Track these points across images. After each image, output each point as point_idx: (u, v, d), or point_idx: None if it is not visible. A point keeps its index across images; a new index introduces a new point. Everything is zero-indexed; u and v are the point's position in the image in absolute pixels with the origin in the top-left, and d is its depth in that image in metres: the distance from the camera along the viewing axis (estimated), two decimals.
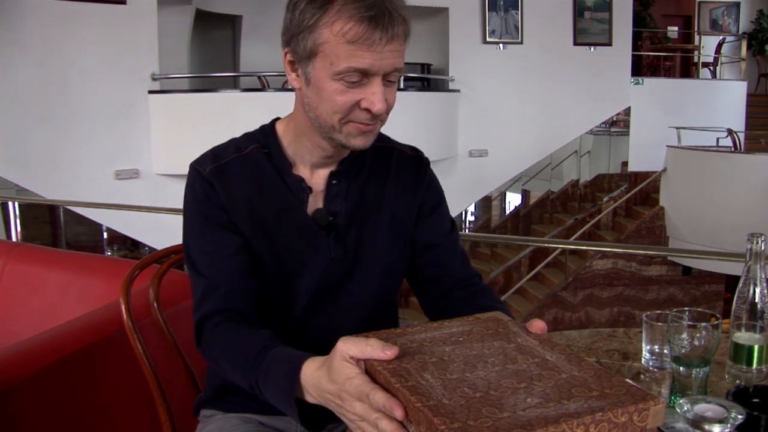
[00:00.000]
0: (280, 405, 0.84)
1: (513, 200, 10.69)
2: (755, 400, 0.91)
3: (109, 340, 1.46)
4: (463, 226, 10.05)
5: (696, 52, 9.84)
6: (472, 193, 7.32)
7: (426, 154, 1.18)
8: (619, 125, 9.57)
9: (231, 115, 5.28)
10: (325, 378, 0.76)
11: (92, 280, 1.92)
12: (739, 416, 0.81)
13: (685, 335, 0.98)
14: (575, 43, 7.28)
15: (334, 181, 1.05)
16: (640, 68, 9.29)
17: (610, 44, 7.37)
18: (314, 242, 1.03)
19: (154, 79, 5.45)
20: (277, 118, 1.09)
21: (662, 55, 9.81)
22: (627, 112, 8.03)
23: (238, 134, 1.10)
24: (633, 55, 7.78)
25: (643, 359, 1.10)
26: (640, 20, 9.34)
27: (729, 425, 0.81)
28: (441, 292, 1.10)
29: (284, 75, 1.17)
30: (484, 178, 7.10)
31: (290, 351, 0.86)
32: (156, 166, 5.43)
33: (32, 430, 1.32)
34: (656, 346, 1.08)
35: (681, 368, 0.98)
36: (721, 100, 8.41)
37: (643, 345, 1.10)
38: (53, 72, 5.08)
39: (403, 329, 0.82)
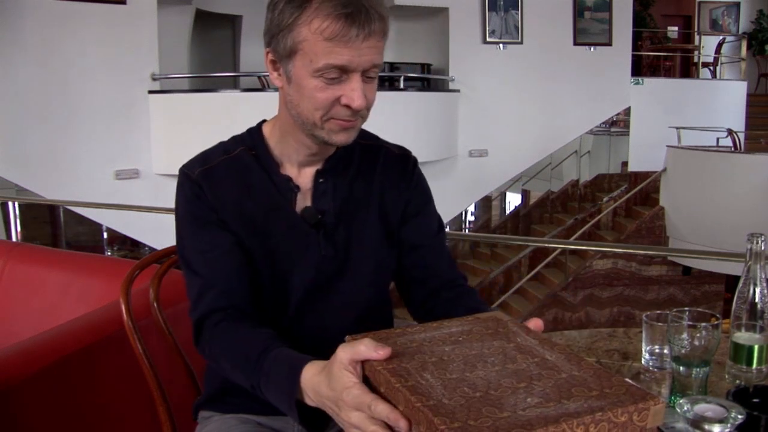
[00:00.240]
0: (281, 406, 0.85)
1: (513, 200, 10.69)
2: (755, 400, 0.91)
3: (109, 340, 1.46)
4: (463, 226, 10.05)
5: (696, 52, 9.84)
6: (472, 193, 7.32)
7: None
8: (619, 125, 9.57)
9: (231, 115, 5.28)
10: (324, 384, 0.76)
11: (92, 280, 1.92)
12: (739, 416, 0.82)
13: (685, 335, 0.98)
14: (575, 43, 7.28)
15: (321, 180, 1.05)
16: (640, 68, 9.28)
17: (610, 44, 7.37)
18: (304, 240, 1.03)
19: (154, 79, 5.45)
20: (264, 120, 1.10)
21: (662, 55, 9.81)
22: (627, 112, 8.03)
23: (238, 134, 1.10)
24: (633, 55, 7.77)
25: (643, 359, 1.10)
26: (640, 20, 9.33)
27: (729, 425, 0.81)
28: (427, 293, 1.10)
29: None
30: (484, 178, 7.10)
31: (291, 353, 0.87)
32: (156, 166, 5.44)
33: (32, 430, 1.32)
34: (656, 346, 1.08)
35: (681, 368, 0.98)
36: (721, 100, 8.41)
37: (643, 345, 1.10)
38: (53, 72, 5.07)
39: (402, 329, 0.82)
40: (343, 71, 0.92)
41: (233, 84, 7.07)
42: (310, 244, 1.04)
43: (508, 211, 10.29)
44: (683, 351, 0.98)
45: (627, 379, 0.70)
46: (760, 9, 10.18)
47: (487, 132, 6.99)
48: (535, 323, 0.83)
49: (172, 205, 1.09)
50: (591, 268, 7.18)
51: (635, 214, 7.77)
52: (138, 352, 1.17)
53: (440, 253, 1.13)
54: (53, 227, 7.94)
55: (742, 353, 1.05)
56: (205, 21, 6.98)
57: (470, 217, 10.35)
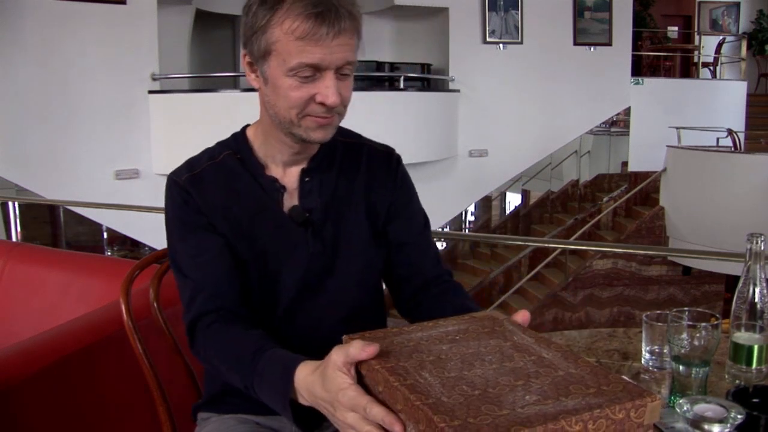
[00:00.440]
0: (275, 406, 0.86)
1: (513, 200, 10.69)
2: (755, 400, 0.91)
3: (109, 340, 1.46)
4: (463, 226, 10.05)
5: (696, 52, 9.84)
6: (472, 193, 7.32)
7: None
8: (619, 125, 9.57)
9: (231, 115, 5.24)
10: (319, 384, 0.77)
11: (92, 280, 1.92)
12: (739, 416, 0.82)
13: (685, 335, 0.98)
14: (575, 43, 7.28)
15: (306, 178, 1.07)
16: (640, 68, 9.28)
17: (610, 44, 7.37)
18: (292, 239, 1.05)
19: (154, 79, 5.45)
20: (248, 125, 1.12)
21: (662, 55, 9.81)
22: (627, 112, 8.02)
23: None
24: (633, 55, 7.77)
25: (643, 359, 1.10)
26: (640, 20, 9.33)
27: (729, 425, 0.81)
28: (413, 290, 1.12)
29: None
30: (484, 178, 7.10)
31: (284, 353, 0.88)
32: (156, 166, 5.44)
33: (32, 430, 1.32)
34: (656, 346, 1.08)
35: (681, 368, 0.98)
36: (721, 100, 8.41)
37: (643, 345, 1.10)
38: (53, 72, 5.07)
39: (399, 329, 0.83)
40: (317, 69, 0.94)
41: (233, 84, 7.06)
42: (298, 242, 1.05)
43: (508, 211, 10.29)
44: (683, 351, 0.98)
45: (623, 376, 0.71)
46: (760, 9, 10.18)
47: (487, 132, 6.99)
48: (523, 316, 0.85)
49: None
50: (591, 268, 7.18)
51: (635, 214, 7.77)
52: (138, 352, 1.17)
53: (425, 250, 1.14)
54: (53, 227, 7.94)
55: (741, 353, 1.05)
56: (205, 21, 6.97)
57: (470, 217, 10.35)
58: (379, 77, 6.66)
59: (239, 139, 1.10)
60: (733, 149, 7.38)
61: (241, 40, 1.00)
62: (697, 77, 9.52)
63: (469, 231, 10.19)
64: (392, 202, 1.12)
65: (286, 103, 0.96)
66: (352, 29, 0.94)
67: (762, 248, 1.07)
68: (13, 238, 6.97)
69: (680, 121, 7.41)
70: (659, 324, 1.06)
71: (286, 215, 1.05)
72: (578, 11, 7.26)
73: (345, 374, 0.74)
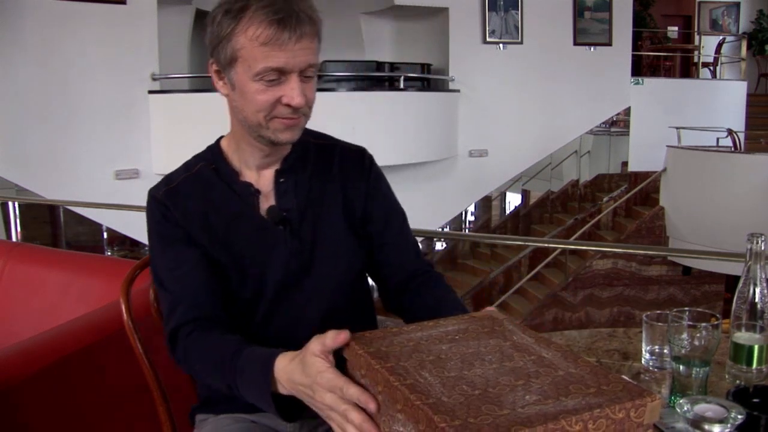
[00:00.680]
0: (257, 401, 0.88)
1: (513, 200, 10.68)
2: (755, 400, 0.91)
3: (109, 340, 1.46)
4: (463, 226, 10.05)
5: (696, 52, 9.84)
6: (472, 193, 7.32)
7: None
8: (619, 125, 9.57)
9: None
10: (298, 371, 0.81)
11: (92, 280, 1.92)
12: (739, 416, 0.82)
13: (685, 335, 0.98)
14: (575, 43, 7.28)
15: (281, 179, 1.10)
16: (640, 68, 9.28)
17: (610, 44, 7.37)
18: (270, 240, 1.07)
19: (154, 79, 5.45)
20: (222, 136, 1.15)
21: (662, 55, 9.81)
22: (627, 112, 8.02)
23: None
24: (633, 55, 7.77)
25: (643, 359, 1.10)
26: (640, 20, 9.33)
27: (729, 425, 0.81)
28: (395, 286, 1.14)
29: None
30: (484, 178, 7.10)
31: (263, 350, 0.91)
32: (156, 166, 5.43)
33: (32, 430, 1.32)
34: (656, 346, 1.08)
35: (681, 368, 0.98)
36: (721, 100, 8.41)
37: (643, 345, 1.10)
38: (53, 72, 5.07)
39: (399, 328, 0.83)
40: (281, 73, 0.97)
41: None
42: (276, 242, 1.07)
43: (508, 211, 10.29)
44: (683, 351, 0.98)
45: (623, 376, 0.71)
46: (760, 9, 10.18)
47: (487, 132, 6.99)
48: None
49: None
50: (591, 268, 7.18)
51: (635, 214, 7.77)
52: (138, 352, 1.17)
53: (405, 247, 1.16)
54: (53, 227, 7.94)
55: (742, 353, 1.05)
56: (205, 21, 6.97)
57: (470, 217, 10.35)
58: (379, 77, 6.65)
59: (213, 150, 1.13)
60: (733, 149, 7.38)
61: (207, 49, 1.03)
62: (697, 77, 9.52)
63: (469, 231, 10.19)
64: (367, 202, 1.14)
65: (253, 107, 1.00)
66: (312, 33, 0.98)
67: (762, 248, 1.07)
68: (13, 238, 6.97)
69: (680, 121, 7.41)
70: (659, 324, 1.06)
71: (262, 217, 1.08)
72: (578, 11, 7.26)
73: (323, 359, 0.78)
